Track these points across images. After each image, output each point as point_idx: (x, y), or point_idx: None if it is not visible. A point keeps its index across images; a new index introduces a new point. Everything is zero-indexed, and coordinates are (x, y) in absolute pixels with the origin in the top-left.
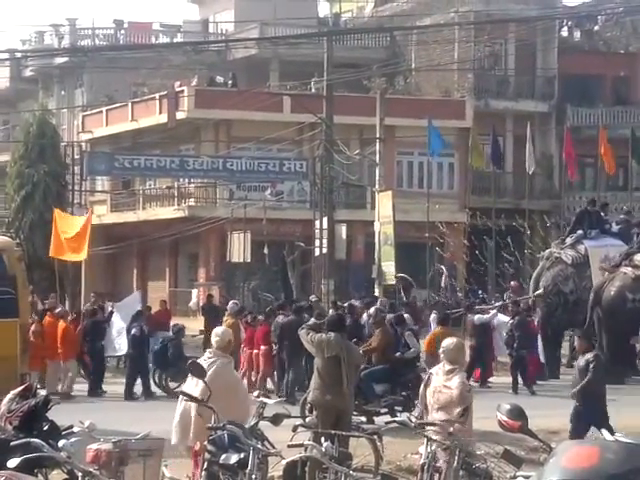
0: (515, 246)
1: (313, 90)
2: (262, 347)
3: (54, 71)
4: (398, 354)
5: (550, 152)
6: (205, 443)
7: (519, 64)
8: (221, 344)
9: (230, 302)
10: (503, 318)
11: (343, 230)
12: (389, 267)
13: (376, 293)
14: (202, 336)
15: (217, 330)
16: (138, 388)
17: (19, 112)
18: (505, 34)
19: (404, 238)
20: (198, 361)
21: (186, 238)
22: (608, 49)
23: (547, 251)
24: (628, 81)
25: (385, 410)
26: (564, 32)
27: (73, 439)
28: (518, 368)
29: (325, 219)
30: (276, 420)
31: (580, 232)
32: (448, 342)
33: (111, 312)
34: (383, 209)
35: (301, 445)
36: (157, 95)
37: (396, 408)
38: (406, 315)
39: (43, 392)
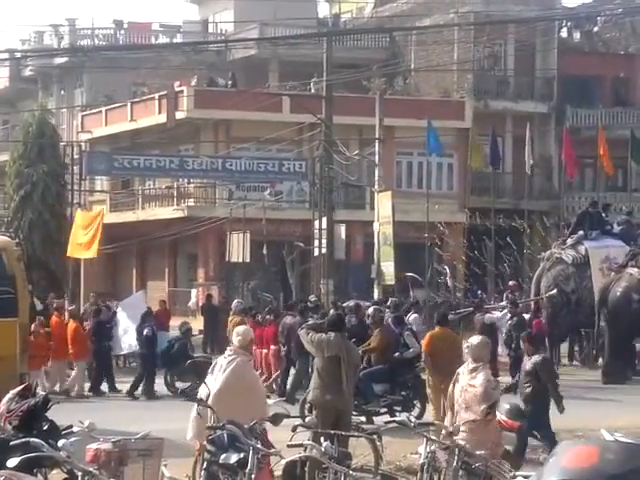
0: (514, 246)
1: (312, 90)
2: (272, 347)
3: (53, 71)
4: (397, 354)
5: (549, 153)
6: (205, 443)
7: (518, 65)
8: (243, 343)
9: (235, 301)
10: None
11: (342, 230)
12: (388, 267)
13: (375, 293)
14: (201, 336)
15: (239, 329)
16: (155, 387)
17: (18, 112)
18: (505, 35)
19: (403, 238)
20: (217, 360)
21: (185, 238)
22: (607, 50)
23: (548, 252)
24: (627, 82)
25: (384, 410)
26: (563, 33)
27: (73, 439)
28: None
29: (324, 219)
30: (275, 420)
31: (581, 233)
32: (472, 340)
33: (115, 312)
34: (382, 209)
35: (301, 445)
36: (156, 95)
37: (395, 408)
38: (414, 315)
39: (42, 392)
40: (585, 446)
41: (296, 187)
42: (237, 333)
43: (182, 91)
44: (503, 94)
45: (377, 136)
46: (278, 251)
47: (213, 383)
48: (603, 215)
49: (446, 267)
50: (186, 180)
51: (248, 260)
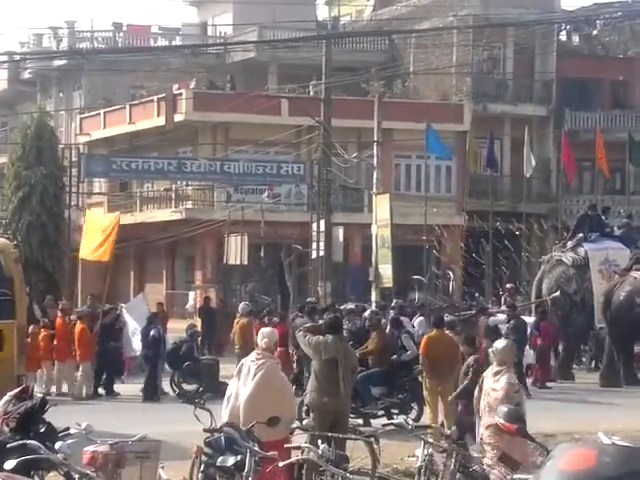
0: (512, 249)
1: (311, 93)
2: (279, 348)
3: (52, 73)
4: (395, 357)
5: (548, 156)
6: (202, 445)
7: (517, 68)
8: (269, 345)
9: (242, 303)
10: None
11: (340, 233)
12: (386, 270)
13: (373, 296)
14: (199, 338)
15: (264, 331)
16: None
17: (17, 114)
18: (503, 38)
19: (401, 241)
20: (245, 359)
21: (183, 240)
22: (606, 53)
23: (548, 255)
24: (626, 85)
25: (382, 413)
26: (562, 36)
27: (70, 441)
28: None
29: (322, 222)
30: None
31: (580, 235)
32: (498, 343)
33: (118, 314)
34: (380, 212)
35: (298, 447)
36: (155, 98)
37: (393, 411)
38: (421, 318)
39: (39, 394)
40: (582, 449)
41: (294, 190)
42: (263, 335)
43: (181, 94)
44: (502, 97)
45: (375, 139)
46: (276, 253)
47: (241, 386)
48: (603, 218)
49: (450, 272)
50: (184, 182)
51: (246, 262)
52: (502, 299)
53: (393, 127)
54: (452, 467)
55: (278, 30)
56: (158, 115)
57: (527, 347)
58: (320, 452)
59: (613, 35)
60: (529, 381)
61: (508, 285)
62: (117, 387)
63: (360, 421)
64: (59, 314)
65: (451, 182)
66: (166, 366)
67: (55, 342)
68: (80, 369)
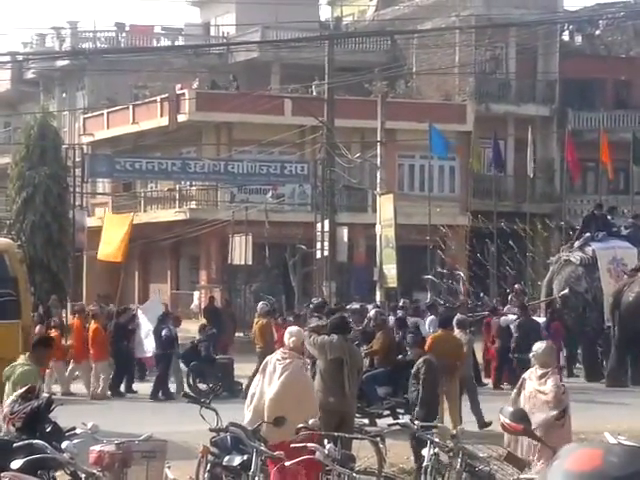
0: (516, 249)
1: (314, 93)
2: None
3: (55, 74)
4: (400, 357)
5: (551, 156)
6: (208, 445)
7: (520, 68)
8: (297, 344)
9: (260, 303)
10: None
11: (344, 233)
12: (390, 270)
13: (377, 296)
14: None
15: (292, 330)
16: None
17: (20, 114)
18: (506, 38)
19: (405, 241)
20: (270, 357)
21: (187, 240)
22: (609, 53)
23: (556, 256)
24: (629, 85)
25: (387, 412)
26: (565, 36)
27: (76, 440)
28: (521, 372)
29: (326, 222)
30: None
31: (587, 235)
32: (538, 346)
33: (134, 315)
34: (384, 212)
35: (304, 447)
36: (158, 98)
37: (398, 410)
38: (431, 317)
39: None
40: (588, 449)
41: (298, 190)
42: (290, 334)
43: (184, 94)
44: (505, 97)
45: (379, 139)
46: (280, 254)
47: (266, 385)
48: (609, 217)
49: (460, 272)
50: (188, 183)
51: (250, 263)
52: (509, 299)
53: (396, 127)
54: (458, 467)
55: (281, 30)
56: (161, 115)
57: None
58: (326, 452)
59: (616, 35)
60: None
61: (516, 286)
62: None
63: (366, 421)
64: (75, 315)
65: (455, 182)
66: (181, 365)
67: (66, 342)
68: (94, 369)
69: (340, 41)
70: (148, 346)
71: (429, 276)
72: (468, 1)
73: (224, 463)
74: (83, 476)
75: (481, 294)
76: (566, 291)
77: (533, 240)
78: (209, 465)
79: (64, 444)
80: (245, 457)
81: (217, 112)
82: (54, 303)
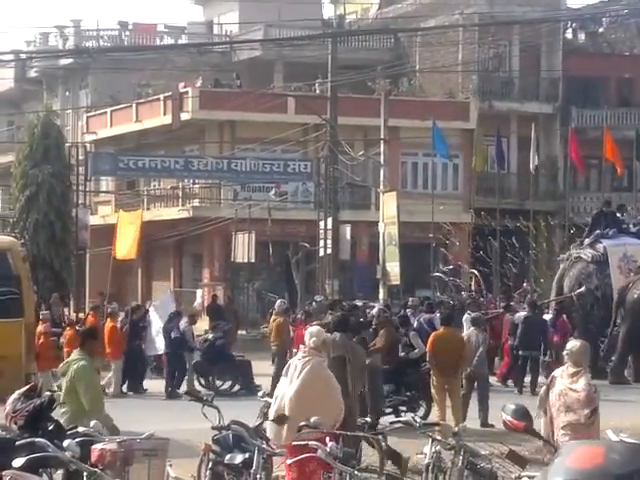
0: (520, 247)
1: (317, 91)
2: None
3: (58, 72)
4: (403, 354)
5: (555, 153)
6: (210, 443)
7: (523, 66)
8: (317, 343)
9: (278, 301)
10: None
11: (347, 231)
12: (393, 267)
13: (380, 294)
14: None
15: (312, 330)
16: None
17: (23, 113)
18: (509, 36)
19: (408, 239)
20: (292, 359)
21: (190, 238)
22: (612, 51)
23: (566, 253)
24: (632, 83)
25: (390, 410)
26: (568, 34)
27: (78, 439)
28: (523, 369)
29: (330, 220)
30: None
31: (598, 232)
32: (572, 344)
33: (146, 311)
34: (387, 210)
35: (306, 445)
36: (161, 96)
37: (401, 408)
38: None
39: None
40: (590, 446)
41: (301, 187)
42: (311, 334)
43: (187, 92)
44: (508, 95)
45: (382, 137)
46: (283, 251)
47: (288, 384)
48: (618, 215)
49: (475, 271)
50: (191, 181)
51: (253, 260)
52: (513, 297)
53: (399, 125)
54: (460, 464)
55: (284, 28)
56: (164, 113)
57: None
58: (328, 450)
59: (619, 32)
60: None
61: (525, 284)
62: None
63: (368, 419)
64: (91, 313)
65: (458, 180)
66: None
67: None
68: (113, 367)
69: (343, 39)
70: (159, 344)
71: (438, 274)
72: None
73: (226, 461)
74: (85, 474)
75: (484, 291)
76: (582, 289)
77: (536, 237)
78: (211, 463)
79: (66, 442)
80: (247, 455)
81: (220, 110)
82: (55, 301)
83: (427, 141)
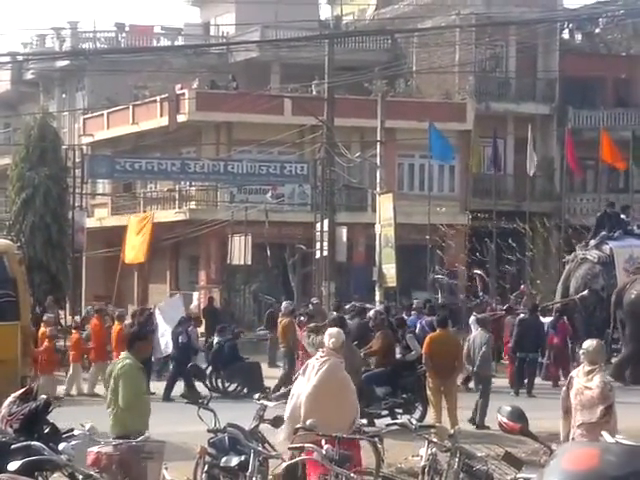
0: (516, 248)
1: (314, 93)
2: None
3: (55, 74)
4: (399, 357)
5: (551, 154)
6: (206, 446)
7: (520, 66)
8: (336, 344)
9: (284, 302)
10: (544, 319)
11: (344, 233)
12: (390, 270)
13: (377, 296)
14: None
15: (332, 331)
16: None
17: (20, 115)
18: (506, 36)
19: (405, 240)
20: (308, 361)
21: (187, 241)
22: (609, 51)
23: (572, 254)
24: (629, 83)
25: (386, 412)
26: (565, 34)
27: (74, 442)
28: (521, 370)
29: (326, 222)
30: (276, 422)
31: (603, 233)
32: (589, 344)
33: (150, 314)
34: (384, 211)
35: (302, 448)
36: (158, 98)
37: (397, 410)
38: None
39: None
40: (586, 448)
41: (298, 189)
42: (330, 335)
43: (184, 94)
44: (505, 96)
45: (379, 138)
46: (280, 254)
47: (305, 384)
48: (622, 216)
49: (479, 271)
50: (188, 183)
51: (250, 263)
52: (511, 299)
53: (396, 126)
54: (456, 466)
55: (280, 30)
56: (161, 115)
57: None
58: (324, 452)
59: (616, 33)
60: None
61: (523, 286)
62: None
63: (364, 421)
64: (95, 316)
65: (454, 181)
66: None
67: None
68: None
69: (340, 40)
70: (164, 347)
71: (441, 276)
72: None
73: (222, 464)
74: (81, 477)
75: (480, 293)
76: (585, 292)
77: (533, 239)
78: (207, 466)
79: (61, 446)
80: (243, 458)
81: (217, 112)
82: (50, 304)
83: (424, 143)
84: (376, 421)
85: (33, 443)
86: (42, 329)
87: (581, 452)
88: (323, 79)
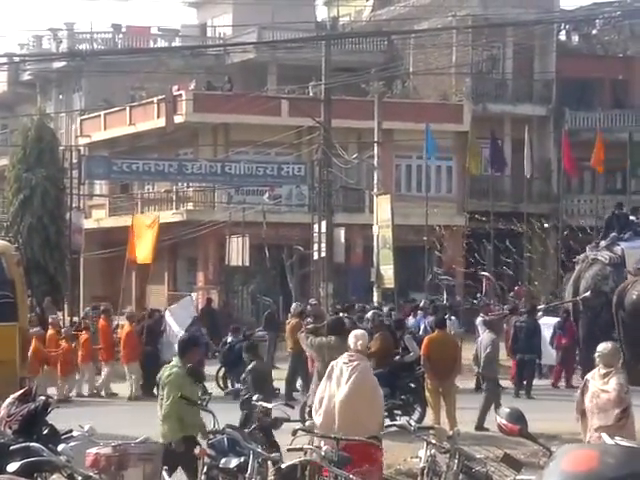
0: (514, 249)
1: (311, 94)
2: None
3: (52, 75)
4: (397, 358)
5: (548, 156)
6: (205, 447)
7: (517, 68)
8: (363, 346)
9: (294, 303)
10: (548, 320)
11: (342, 234)
12: (388, 271)
13: (375, 297)
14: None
15: (357, 333)
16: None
17: (17, 116)
18: (503, 38)
19: (402, 242)
20: (335, 362)
21: (185, 242)
22: (606, 53)
23: (582, 255)
24: (626, 84)
25: (384, 414)
26: (562, 36)
27: (73, 443)
28: (520, 372)
29: (324, 223)
30: (276, 424)
31: (614, 234)
32: (603, 346)
33: (161, 316)
34: (381, 213)
35: (301, 449)
36: (155, 99)
37: (395, 412)
38: (453, 318)
39: (42, 397)
40: (585, 450)
41: (295, 191)
42: (356, 337)
43: (181, 95)
44: (501, 97)
45: (376, 139)
46: (278, 255)
47: (335, 388)
48: (631, 218)
49: (486, 272)
50: (185, 184)
51: (247, 264)
52: (508, 300)
53: (393, 127)
54: (455, 468)
55: (277, 31)
56: (158, 116)
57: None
58: (323, 453)
59: (612, 34)
60: (547, 382)
61: (524, 288)
62: None
63: None
64: (102, 317)
65: (452, 182)
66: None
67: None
68: (127, 370)
69: (337, 41)
70: (175, 349)
71: (444, 276)
72: (465, 1)
73: (221, 465)
74: (79, 478)
75: (478, 294)
76: (587, 294)
77: (530, 240)
78: (206, 467)
79: (60, 447)
80: (242, 459)
81: (214, 113)
82: (48, 305)
83: (421, 144)
84: None
85: (32, 444)
86: (50, 331)
87: (580, 454)
88: (320, 80)
